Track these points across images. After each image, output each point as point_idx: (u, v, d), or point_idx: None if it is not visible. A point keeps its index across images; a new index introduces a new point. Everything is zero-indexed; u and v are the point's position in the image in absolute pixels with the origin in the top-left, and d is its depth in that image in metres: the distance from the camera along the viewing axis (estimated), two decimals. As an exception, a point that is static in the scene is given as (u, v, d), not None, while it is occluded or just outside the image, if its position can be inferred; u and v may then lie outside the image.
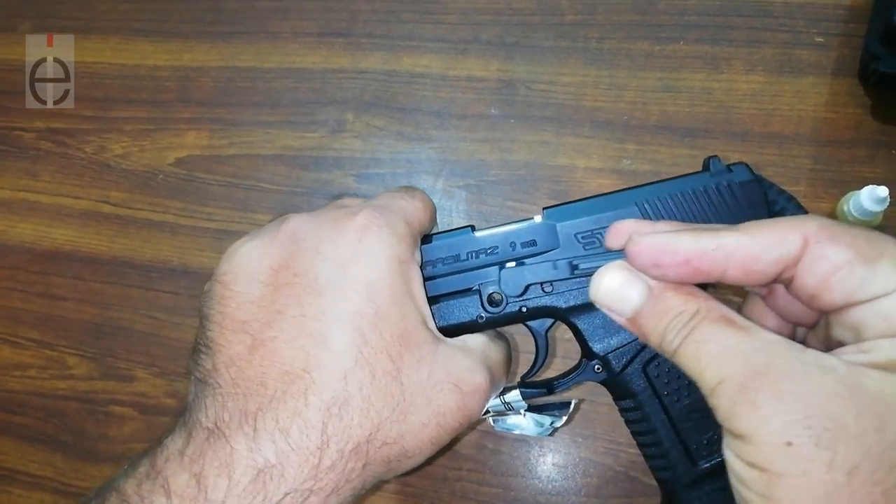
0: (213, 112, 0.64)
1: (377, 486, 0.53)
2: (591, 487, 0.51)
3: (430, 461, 0.34)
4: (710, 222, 0.34)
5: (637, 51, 0.59)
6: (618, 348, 0.36)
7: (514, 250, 0.36)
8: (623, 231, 0.29)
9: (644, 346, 0.36)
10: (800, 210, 0.37)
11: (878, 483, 0.21)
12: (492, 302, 0.36)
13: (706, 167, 0.36)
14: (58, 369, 0.61)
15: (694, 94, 0.57)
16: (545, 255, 0.36)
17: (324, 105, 0.62)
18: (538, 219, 0.37)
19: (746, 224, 0.27)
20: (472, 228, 0.37)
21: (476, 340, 0.35)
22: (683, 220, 0.35)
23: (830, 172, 0.54)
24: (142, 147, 0.64)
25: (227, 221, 0.61)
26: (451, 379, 0.32)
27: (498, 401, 0.39)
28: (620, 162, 0.57)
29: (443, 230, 0.38)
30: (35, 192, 0.65)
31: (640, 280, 0.27)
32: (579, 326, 0.36)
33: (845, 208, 0.48)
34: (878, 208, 0.47)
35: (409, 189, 0.37)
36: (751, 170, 0.36)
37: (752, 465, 0.23)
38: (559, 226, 0.36)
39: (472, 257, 0.36)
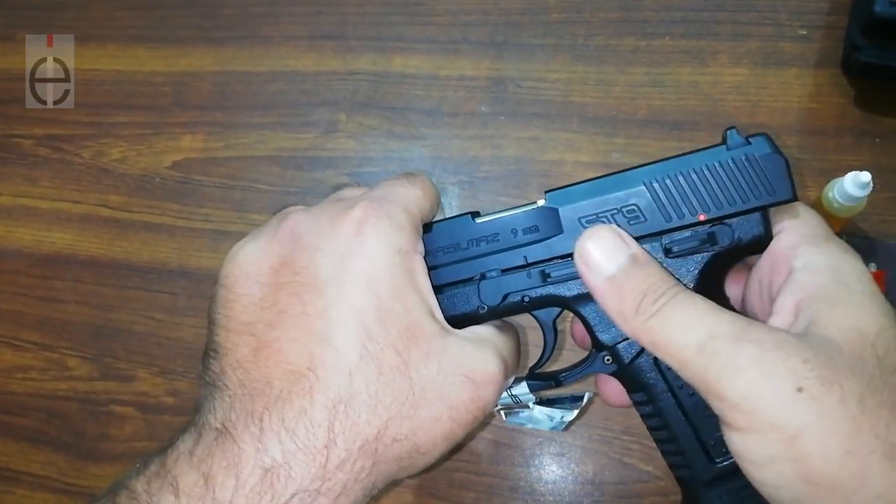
0: (209, 116, 0.65)
1: (389, 487, 0.54)
2: (586, 475, 0.52)
3: (444, 459, 0.33)
4: (728, 201, 0.31)
5: (624, 47, 0.60)
6: (627, 338, 0.33)
7: (515, 237, 0.34)
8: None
9: None
10: None
11: (883, 403, 0.22)
12: None
13: (723, 140, 0.33)
14: (58, 371, 0.62)
15: (680, 88, 0.58)
16: (548, 241, 0.34)
17: (316, 106, 0.63)
18: (541, 202, 0.35)
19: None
20: (474, 215, 0.36)
21: (485, 330, 0.34)
22: (698, 200, 0.32)
23: (816, 161, 0.55)
24: (139, 151, 0.65)
25: (223, 222, 0.62)
26: (463, 371, 0.31)
27: (505, 394, 0.37)
28: (610, 156, 0.58)
29: (445, 218, 0.37)
30: (34, 198, 0.66)
31: (628, 246, 0.29)
32: (586, 316, 0.35)
33: (830, 195, 0.49)
34: (862, 193, 0.47)
35: (410, 175, 0.36)
36: (771, 141, 0.32)
37: (766, 429, 0.23)
38: (562, 210, 0.34)
39: (472, 245, 0.35)
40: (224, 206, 0.63)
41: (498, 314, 0.36)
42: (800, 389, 0.22)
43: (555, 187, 0.34)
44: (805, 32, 0.58)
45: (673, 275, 0.30)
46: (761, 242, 0.32)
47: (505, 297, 0.35)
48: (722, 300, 0.33)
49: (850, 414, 0.22)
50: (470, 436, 0.52)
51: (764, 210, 0.32)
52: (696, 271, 0.32)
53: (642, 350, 0.33)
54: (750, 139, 0.32)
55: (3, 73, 0.70)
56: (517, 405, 0.39)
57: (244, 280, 0.32)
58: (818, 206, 0.51)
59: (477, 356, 0.32)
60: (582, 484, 0.52)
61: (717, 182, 0.32)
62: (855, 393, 0.22)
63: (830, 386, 0.22)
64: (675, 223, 0.32)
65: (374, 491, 0.31)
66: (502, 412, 0.42)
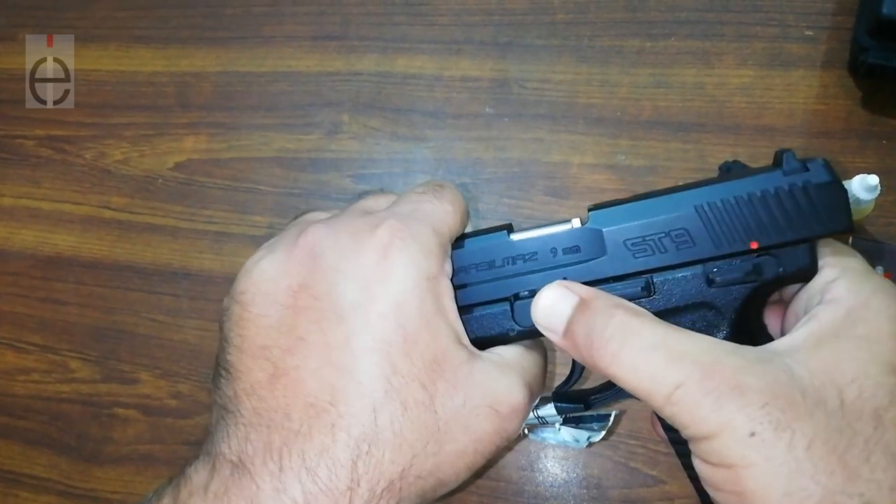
0: (212, 116, 0.65)
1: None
2: (591, 479, 0.52)
3: (462, 486, 0.32)
4: (781, 229, 0.30)
5: (629, 48, 0.59)
6: None
7: (555, 257, 0.32)
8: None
9: None
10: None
11: (833, 451, 0.23)
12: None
13: (777, 162, 0.31)
14: (61, 373, 0.62)
15: (686, 90, 0.58)
16: (589, 263, 0.32)
17: (319, 107, 0.63)
18: (576, 222, 0.33)
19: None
20: (509, 230, 0.34)
21: (512, 352, 0.33)
22: (750, 227, 0.30)
23: (822, 163, 0.54)
24: (141, 152, 0.65)
25: (226, 224, 0.62)
26: (488, 401, 0.30)
27: (531, 415, 0.36)
28: (614, 157, 0.58)
29: (477, 231, 0.35)
30: (36, 199, 0.66)
31: (572, 294, 0.28)
32: None
33: (837, 198, 0.49)
34: (870, 196, 0.47)
35: (437, 188, 0.33)
36: (829, 167, 0.30)
37: (719, 464, 0.24)
38: (606, 231, 0.32)
39: (508, 263, 0.33)
40: (227, 208, 0.62)
41: (528, 336, 0.34)
42: (752, 434, 0.23)
43: (599, 204, 0.33)
44: (811, 33, 0.57)
45: (631, 305, 0.29)
46: (806, 274, 0.31)
47: None
48: (761, 329, 0.32)
49: (795, 458, 0.23)
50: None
51: (812, 241, 0.31)
52: (738, 302, 0.31)
53: None
54: (808, 164, 0.30)
55: (4, 72, 0.70)
56: (543, 425, 0.38)
57: (261, 299, 0.30)
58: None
59: (503, 384, 0.30)
60: (587, 488, 0.51)
61: (771, 209, 0.30)
62: (805, 438, 0.23)
63: (783, 431, 0.23)
64: (725, 250, 0.31)
65: None
66: (526, 429, 0.41)
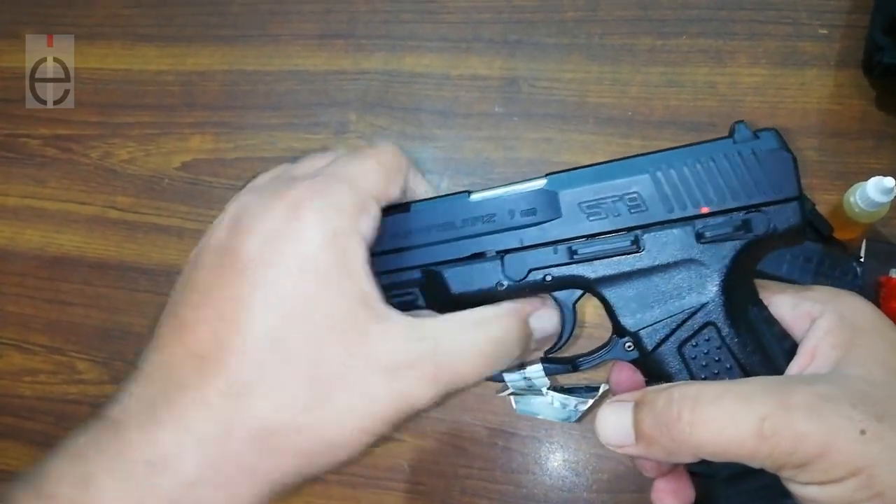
0: (218, 116, 0.64)
1: (397, 495, 0.53)
2: (601, 483, 0.51)
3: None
4: (732, 195, 0.31)
5: (640, 46, 0.59)
6: (651, 324, 0.33)
7: (512, 218, 0.33)
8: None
9: (680, 325, 0.33)
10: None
11: None
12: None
13: (731, 133, 0.32)
14: (67, 374, 0.61)
15: (698, 89, 0.57)
16: (544, 225, 0.33)
17: (326, 106, 0.62)
18: (541, 183, 0.33)
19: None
20: (469, 193, 0.34)
21: (443, 322, 0.32)
22: (702, 192, 0.31)
23: (836, 164, 0.54)
24: (147, 152, 0.65)
25: (233, 224, 0.62)
26: (383, 364, 0.29)
27: (518, 375, 0.36)
28: (625, 157, 0.57)
29: (440, 195, 0.35)
30: (42, 199, 0.66)
31: (625, 403, 0.28)
32: (609, 299, 0.33)
33: (851, 200, 0.48)
34: (885, 199, 0.46)
35: (372, 148, 0.33)
36: (780, 137, 0.31)
37: (845, 476, 0.24)
38: (561, 193, 0.33)
39: (467, 224, 0.34)
40: (233, 208, 0.62)
41: (516, 293, 0.34)
42: (862, 432, 0.23)
43: (557, 171, 0.33)
44: (825, 32, 0.57)
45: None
46: (796, 232, 0.31)
47: (528, 272, 0.34)
48: (751, 293, 0.33)
49: None
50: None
51: (800, 200, 0.31)
52: (728, 259, 0.31)
53: (666, 337, 0.33)
54: (758, 133, 0.32)
55: (8, 71, 0.69)
56: (529, 390, 0.38)
57: (190, 265, 0.31)
58: (838, 210, 0.50)
59: (405, 350, 0.30)
60: (597, 492, 0.51)
61: (721, 175, 0.31)
62: None
63: (881, 420, 0.23)
64: (676, 214, 0.32)
65: (280, 487, 0.29)
66: (512, 398, 0.41)
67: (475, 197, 0.34)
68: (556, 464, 0.52)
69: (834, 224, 0.50)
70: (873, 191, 0.47)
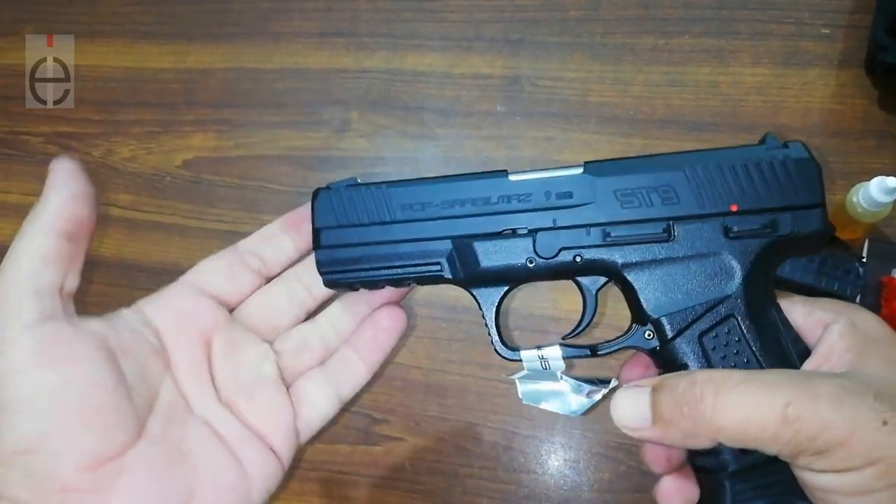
0: (219, 114, 0.64)
1: (399, 493, 0.53)
2: (602, 482, 0.51)
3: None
4: (760, 197, 0.33)
5: (642, 45, 0.59)
6: (674, 312, 0.33)
7: (547, 199, 0.35)
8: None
9: (702, 315, 0.33)
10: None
11: None
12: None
13: (762, 141, 0.35)
14: (69, 372, 0.61)
15: (700, 88, 0.57)
16: (580, 208, 0.34)
17: (328, 105, 0.62)
18: (578, 170, 0.35)
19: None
20: (507, 172, 0.36)
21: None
22: (732, 192, 0.33)
23: (838, 164, 0.54)
24: (149, 150, 0.64)
25: (235, 223, 0.62)
26: None
27: (535, 353, 0.36)
28: (627, 157, 0.57)
29: (477, 172, 0.36)
30: (43, 197, 0.65)
31: (642, 388, 0.29)
32: (634, 284, 0.34)
33: (854, 199, 0.48)
34: (888, 199, 0.46)
35: None
36: (808, 149, 0.34)
37: (865, 465, 0.24)
38: (600, 181, 0.34)
39: (503, 201, 0.35)
40: (235, 207, 0.62)
41: (545, 272, 0.35)
42: (885, 423, 0.24)
43: (595, 160, 0.35)
44: (828, 31, 0.56)
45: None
46: (819, 237, 0.33)
47: (559, 251, 0.35)
48: (771, 294, 0.34)
49: None
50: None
51: (823, 207, 0.33)
52: (753, 255, 0.33)
53: (688, 327, 0.33)
54: (787, 144, 0.34)
55: (8, 68, 0.69)
56: (544, 373, 0.38)
57: None
58: (841, 210, 0.50)
59: None
60: (599, 492, 0.51)
61: (752, 177, 0.33)
62: None
63: None
64: (708, 209, 0.33)
65: None
66: (519, 384, 0.41)
67: (514, 177, 0.35)
68: (557, 463, 0.52)
69: (836, 224, 0.50)
70: (876, 191, 0.47)
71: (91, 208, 0.32)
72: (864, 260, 0.50)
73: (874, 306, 0.50)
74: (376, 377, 0.55)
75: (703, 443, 0.27)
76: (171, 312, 0.35)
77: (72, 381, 0.29)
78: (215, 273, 0.38)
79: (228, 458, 0.33)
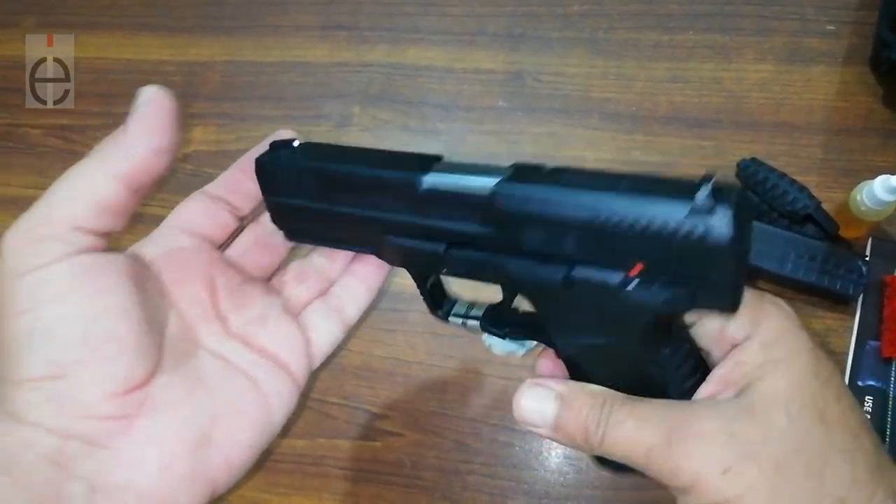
0: (219, 107, 0.64)
1: (400, 489, 0.53)
2: (604, 479, 0.51)
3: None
4: (667, 260, 0.26)
5: (645, 41, 0.58)
6: (575, 345, 0.31)
7: (449, 220, 0.31)
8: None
9: (601, 347, 0.30)
10: None
11: (796, 464, 0.26)
12: None
13: (695, 188, 0.25)
14: (68, 366, 0.61)
15: (703, 84, 0.57)
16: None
17: (329, 99, 0.62)
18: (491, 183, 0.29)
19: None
20: (425, 172, 0.30)
21: None
22: (640, 246, 0.26)
23: (842, 161, 0.54)
24: (148, 143, 0.64)
25: (234, 217, 0.61)
26: None
27: (458, 321, 0.36)
28: (630, 153, 0.57)
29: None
30: (43, 189, 0.64)
31: (549, 390, 0.30)
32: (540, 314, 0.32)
33: (858, 198, 0.48)
34: (892, 198, 0.46)
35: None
36: (739, 222, 0.24)
37: None
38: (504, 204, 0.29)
39: (408, 211, 0.32)
40: (235, 201, 0.62)
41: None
42: (726, 471, 0.26)
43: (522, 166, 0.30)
44: (832, 28, 0.56)
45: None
46: (723, 311, 0.28)
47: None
48: (670, 334, 0.30)
49: (769, 482, 0.26)
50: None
51: (731, 290, 0.27)
52: (650, 315, 0.27)
53: (588, 353, 0.32)
54: (717, 207, 0.24)
55: (7, 59, 0.69)
56: (466, 328, 0.38)
57: None
58: (844, 208, 0.50)
59: None
60: (599, 488, 0.51)
61: (663, 237, 0.26)
62: (771, 460, 0.26)
63: (750, 461, 0.26)
64: (612, 260, 0.27)
65: None
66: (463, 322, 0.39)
67: (428, 181, 0.30)
68: (557, 459, 0.52)
69: (839, 222, 0.50)
70: (880, 189, 0.46)
71: (171, 162, 0.31)
72: (868, 258, 0.50)
73: (877, 305, 0.50)
74: (377, 373, 0.55)
75: (593, 454, 0.30)
76: (163, 250, 0.35)
77: (104, 309, 0.29)
78: (196, 214, 0.37)
79: (244, 382, 0.33)
